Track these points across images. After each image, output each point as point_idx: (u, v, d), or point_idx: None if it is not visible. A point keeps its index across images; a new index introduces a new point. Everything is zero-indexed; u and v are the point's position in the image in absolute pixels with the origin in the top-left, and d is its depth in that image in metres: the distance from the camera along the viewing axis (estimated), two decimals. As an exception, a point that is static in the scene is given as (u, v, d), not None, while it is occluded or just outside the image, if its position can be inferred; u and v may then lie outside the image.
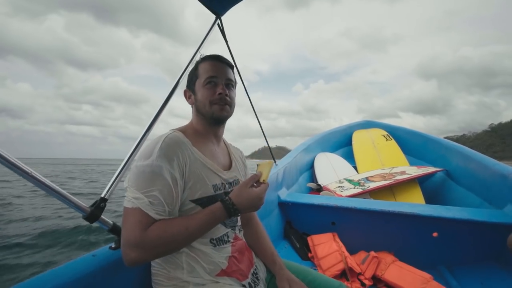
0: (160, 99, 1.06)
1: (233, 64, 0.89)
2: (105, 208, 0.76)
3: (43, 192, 0.66)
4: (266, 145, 2.10)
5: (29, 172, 0.59)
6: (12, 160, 0.57)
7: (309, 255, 1.74)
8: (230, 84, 0.83)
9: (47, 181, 0.64)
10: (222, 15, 1.37)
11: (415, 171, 2.58)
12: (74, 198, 0.69)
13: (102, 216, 0.75)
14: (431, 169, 2.61)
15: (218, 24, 1.36)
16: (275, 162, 2.33)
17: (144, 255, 0.62)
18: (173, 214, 0.69)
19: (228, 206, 0.70)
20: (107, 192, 0.78)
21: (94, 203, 0.74)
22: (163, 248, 0.64)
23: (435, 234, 1.62)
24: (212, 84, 0.80)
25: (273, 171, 2.01)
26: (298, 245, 1.84)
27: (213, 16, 1.34)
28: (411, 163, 3.18)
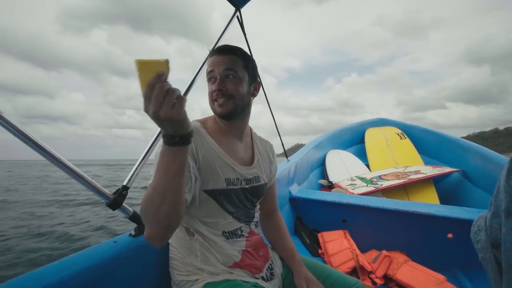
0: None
1: (241, 52, 0.80)
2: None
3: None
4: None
5: (58, 158, 0.62)
6: (42, 145, 0.59)
7: (319, 251, 1.74)
8: (229, 74, 0.74)
9: (74, 167, 0.66)
10: (242, 7, 1.35)
11: (430, 170, 2.52)
12: (99, 185, 0.72)
13: (124, 204, 0.77)
14: (447, 169, 2.54)
15: (237, 17, 1.35)
16: (287, 158, 2.31)
17: (147, 229, 0.58)
18: (189, 202, 0.69)
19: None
20: (129, 180, 0.80)
21: (117, 191, 0.76)
22: (148, 211, 0.56)
23: (449, 235, 1.59)
24: (212, 81, 0.76)
25: (284, 166, 1.99)
26: (308, 241, 1.84)
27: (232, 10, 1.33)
28: (426, 163, 3.11)
